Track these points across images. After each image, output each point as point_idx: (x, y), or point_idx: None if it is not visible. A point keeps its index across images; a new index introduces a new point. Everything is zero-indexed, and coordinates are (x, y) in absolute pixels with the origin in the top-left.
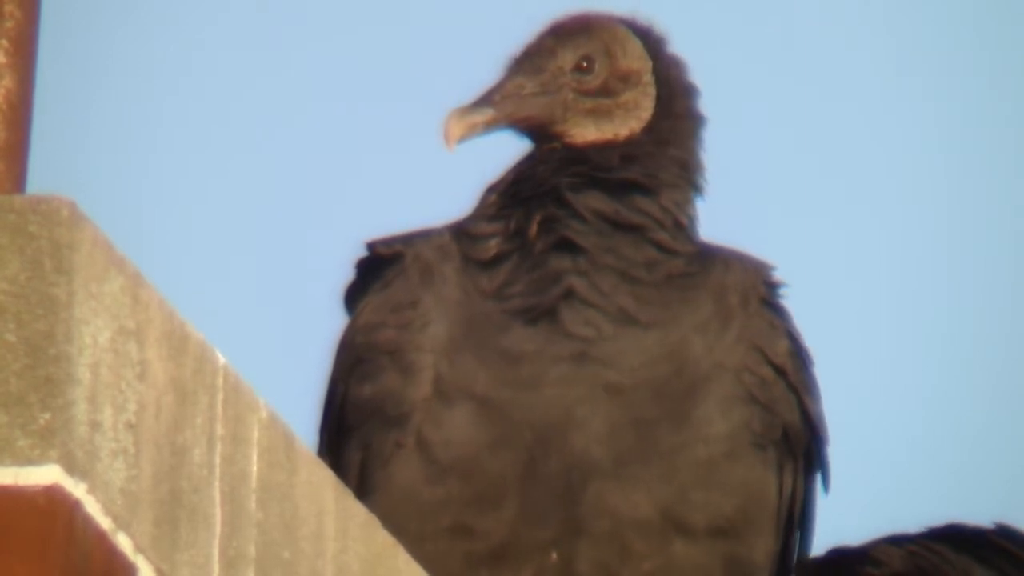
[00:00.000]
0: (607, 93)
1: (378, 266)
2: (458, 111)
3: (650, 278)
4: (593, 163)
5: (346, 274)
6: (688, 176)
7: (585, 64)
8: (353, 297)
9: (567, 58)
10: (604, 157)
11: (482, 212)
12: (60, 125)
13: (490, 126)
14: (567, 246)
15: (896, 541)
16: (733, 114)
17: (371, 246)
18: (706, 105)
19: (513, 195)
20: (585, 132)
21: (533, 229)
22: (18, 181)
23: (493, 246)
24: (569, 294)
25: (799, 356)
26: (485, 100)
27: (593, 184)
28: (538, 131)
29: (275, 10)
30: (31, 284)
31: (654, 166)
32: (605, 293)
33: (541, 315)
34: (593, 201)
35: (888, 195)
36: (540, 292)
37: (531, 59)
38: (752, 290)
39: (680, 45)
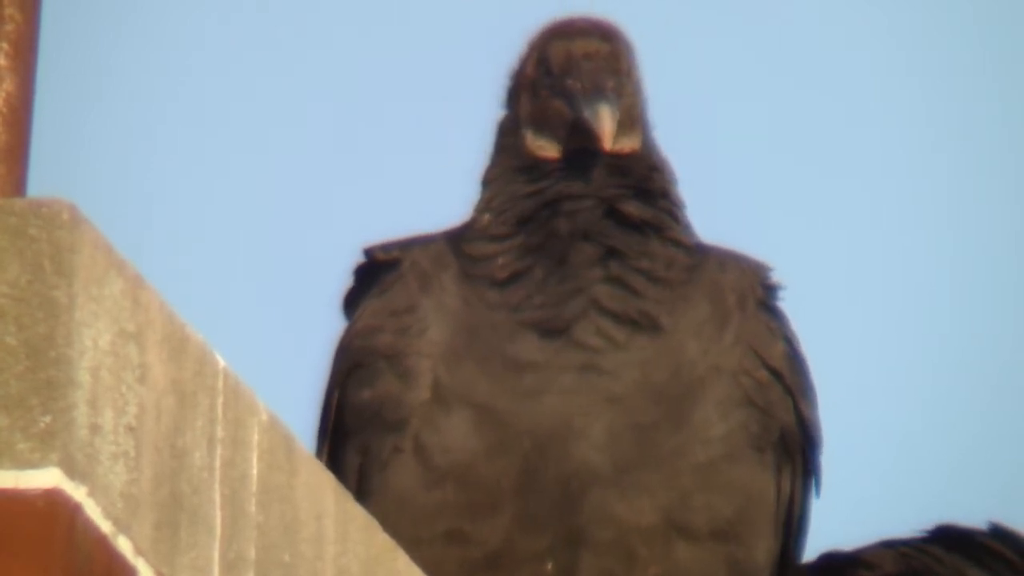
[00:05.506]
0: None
1: (376, 272)
2: (610, 110)
3: (669, 277)
4: (630, 172)
5: (344, 279)
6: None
7: (629, 73)
8: (351, 302)
9: (622, 66)
10: (632, 166)
11: (495, 222)
12: (60, 128)
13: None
14: (590, 256)
15: (888, 544)
16: (732, 114)
17: (369, 252)
18: (704, 106)
19: (538, 206)
20: (620, 143)
21: (560, 234)
22: (18, 184)
23: (509, 262)
24: (592, 306)
25: (795, 360)
26: (613, 98)
27: (631, 194)
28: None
29: (275, 11)
30: (32, 287)
31: (665, 172)
32: (636, 292)
33: (558, 327)
34: (629, 208)
35: (886, 196)
36: (560, 304)
37: (608, 63)
38: (749, 292)
39: (679, 45)
